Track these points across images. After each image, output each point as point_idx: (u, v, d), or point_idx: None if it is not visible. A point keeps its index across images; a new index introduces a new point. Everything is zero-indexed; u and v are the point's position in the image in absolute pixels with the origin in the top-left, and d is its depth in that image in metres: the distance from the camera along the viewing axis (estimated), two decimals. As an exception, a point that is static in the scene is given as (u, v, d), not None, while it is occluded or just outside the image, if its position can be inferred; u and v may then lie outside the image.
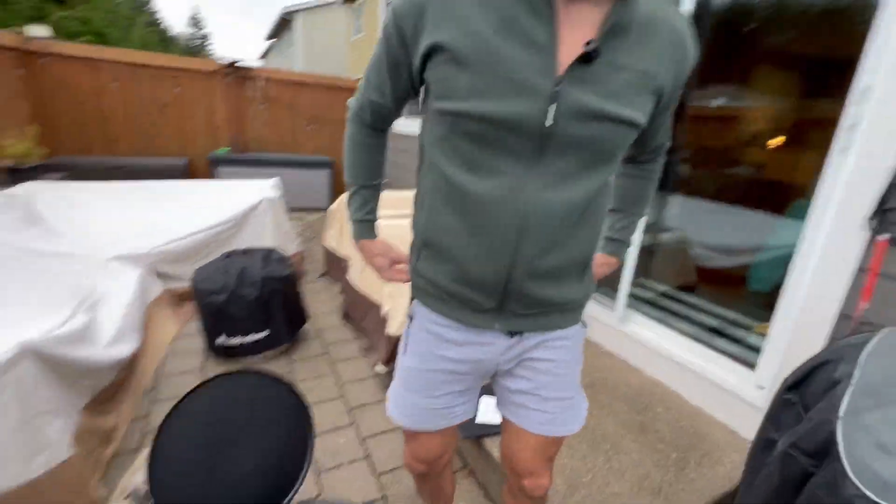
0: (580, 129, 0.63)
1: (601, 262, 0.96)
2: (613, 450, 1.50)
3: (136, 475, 1.26)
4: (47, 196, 2.73)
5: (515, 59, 0.60)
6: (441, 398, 0.88)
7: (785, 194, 2.04)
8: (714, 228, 2.33)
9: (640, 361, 2.00)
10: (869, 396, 0.77)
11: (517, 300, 0.75)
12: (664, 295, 2.25)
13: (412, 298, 0.88)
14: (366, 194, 0.91)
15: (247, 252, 2.27)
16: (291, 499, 1.01)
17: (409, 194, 3.24)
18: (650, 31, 0.63)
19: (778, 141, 2.14)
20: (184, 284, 2.49)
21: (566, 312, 0.82)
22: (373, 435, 1.76)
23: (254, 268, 2.08)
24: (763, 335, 1.57)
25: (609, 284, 2.15)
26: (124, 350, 1.75)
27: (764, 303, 1.63)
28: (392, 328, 1.96)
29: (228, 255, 2.22)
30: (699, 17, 1.77)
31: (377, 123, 0.84)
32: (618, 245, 0.98)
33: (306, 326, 2.46)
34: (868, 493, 0.65)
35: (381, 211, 2.80)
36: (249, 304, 2.01)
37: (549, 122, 0.61)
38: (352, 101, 0.85)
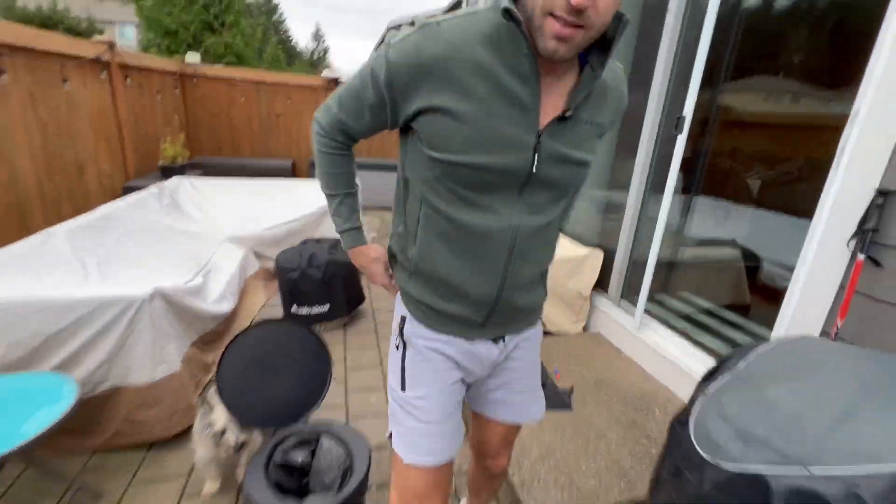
0: (554, 171, 0.76)
1: None
2: (596, 437, 1.66)
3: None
4: (187, 188, 3.54)
5: (507, 119, 0.71)
6: (455, 413, 0.91)
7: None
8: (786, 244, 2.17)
9: (654, 369, 2.07)
10: (740, 382, 0.91)
11: (502, 311, 0.86)
12: (703, 310, 2.21)
13: (401, 327, 0.91)
14: (350, 202, 0.95)
15: (319, 241, 2.77)
16: (312, 412, 1.39)
17: None
18: (603, 94, 0.78)
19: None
20: (273, 265, 3.08)
21: (531, 315, 0.96)
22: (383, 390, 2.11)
23: (321, 253, 2.56)
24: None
25: (633, 292, 2.24)
26: (224, 307, 2.31)
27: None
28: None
29: (305, 242, 2.74)
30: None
31: (347, 140, 0.89)
32: None
33: (363, 306, 2.90)
34: (702, 452, 0.81)
35: None
36: (315, 282, 2.48)
37: (533, 168, 0.74)
38: (321, 118, 0.88)
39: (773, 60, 1.92)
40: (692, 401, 1.00)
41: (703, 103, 1.92)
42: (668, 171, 1.95)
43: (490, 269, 0.81)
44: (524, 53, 0.68)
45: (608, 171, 2.53)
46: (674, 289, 2.26)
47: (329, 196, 0.95)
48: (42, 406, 1.28)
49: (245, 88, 5.70)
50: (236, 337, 1.38)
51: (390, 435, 0.93)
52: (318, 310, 2.57)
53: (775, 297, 2.13)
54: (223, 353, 1.36)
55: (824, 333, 1.33)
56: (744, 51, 1.91)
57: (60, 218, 2.67)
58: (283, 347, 1.45)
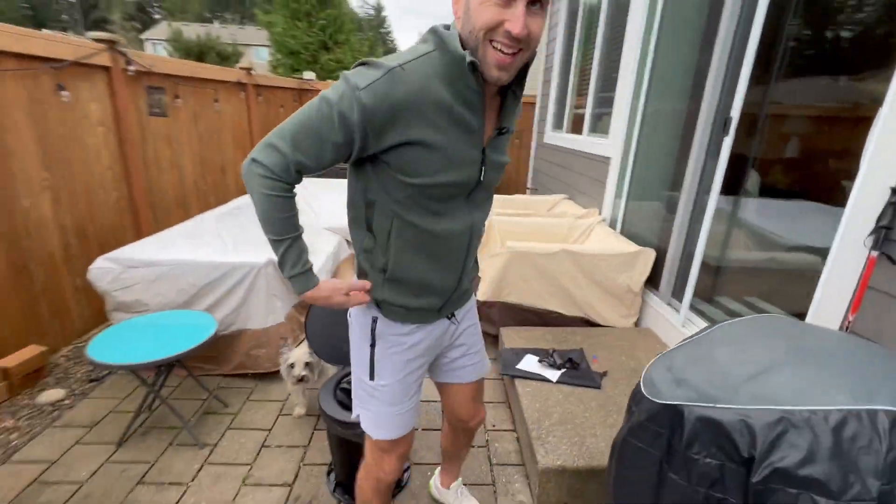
0: (493, 175, 0.96)
1: None
2: (617, 411, 1.81)
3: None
4: (297, 186, 4.27)
5: (463, 143, 0.86)
6: (414, 396, 1.10)
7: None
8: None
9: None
10: (695, 345, 1.08)
11: (457, 296, 1.06)
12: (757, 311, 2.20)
13: (373, 327, 1.01)
14: (299, 245, 0.94)
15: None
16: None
17: (533, 198, 3.85)
18: (517, 108, 0.97)
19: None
20: (361, 250, 3.62)
21: (469, 291, 1.16)
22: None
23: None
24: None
25: (683, 291, 2.30)
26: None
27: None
28: (478, 294, 2.59)
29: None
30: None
31: (297, 180, 0.89)
32: None
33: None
34: (644, 391, 1.01)
35: (504, 210, 3.63)
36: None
37: (481, 177, 0.92)
38: (265, 159, 0.84)
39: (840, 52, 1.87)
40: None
41: (761, 101, 1.95)
42: (721, 171, 2.00)
43: (454, 265, 0.99)
44: (474, 89, 0.82)
45: (668, 172, 2.59)
46: (726, 289, 2.26)
47: (275, 241, 0.91)
48: (196, 332, 1.85)
49: (349, 100, 6.50)
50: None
51: (358, 416, 1.12)
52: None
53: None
54: (310, 307, 1.81)
55: (841, 328, 1.37)
56: (805, 45, 1.89)
57: (209, 206, 3.48)
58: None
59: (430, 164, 0.84)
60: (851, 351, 0.97)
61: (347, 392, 1.63)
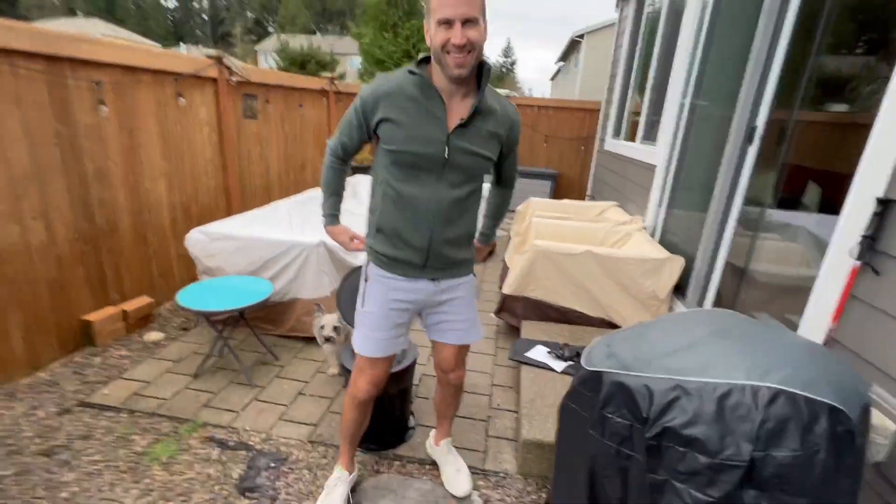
0: (463, 159, 1.23)
1: (479, 248, 1.55)
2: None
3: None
4: (363, 182, 4.73)
5: (427, 125, 1.20)
6: (392, 330, 1.39)
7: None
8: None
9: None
10: (638, 327, 1.20)
11: (435, 257, 1.30)
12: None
13: (367, 266, 1.39)
14: (335, 200, 1.47)
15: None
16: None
17: (583, 203, 4.00)
18: (492, 113, 1.25)
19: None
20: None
21: (462, 266, 1.40)
22: (471, 350, 2.66)
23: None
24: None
25: (703, 299, 2.29)
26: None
27: None
28: (505, 287, 2.77)
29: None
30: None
31: (345, 157, 1.39)
32: (486, 237, 1.62)
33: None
34: (582, 362, 1.16)
35: (548, 212, 3.88)
36: (430, 256, 3.20)
37: (446, 155, 1.22)
38: (331, 143, 1.37)
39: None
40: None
41: (789, 114, 1.92)
42: (748, 181, 2.00)
43: (423, 225, 1.27)
44: (434, 93, 1.21)
45: (704, 181, 2.57)
46: (752, 301, 2.21)
47: (324, 193, 1.48)
48: (256, 294, 2.27)
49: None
50: (353, 270, 2.15)
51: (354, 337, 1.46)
52: (431, 279, 3.28)
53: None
54: (344, 277, 2.15)
55: (826, 339, 1.37)
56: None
57: (287, 196, 4.03)
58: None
59: (399, 135, 1.22)
60: (774, 341, 1.05)
61: (364, 352, 1.93)
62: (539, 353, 2.27)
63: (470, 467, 1.75)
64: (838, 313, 1.31)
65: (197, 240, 2.59)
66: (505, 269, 3.28)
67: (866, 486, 1.18)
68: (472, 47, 1.13)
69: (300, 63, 19.13)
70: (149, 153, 2.83)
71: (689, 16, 2.85)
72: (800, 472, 0.86)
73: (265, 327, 2.68)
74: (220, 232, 2.60)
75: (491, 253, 4.49)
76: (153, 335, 2.67)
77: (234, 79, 3.44)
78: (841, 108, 1.86)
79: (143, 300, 2.79)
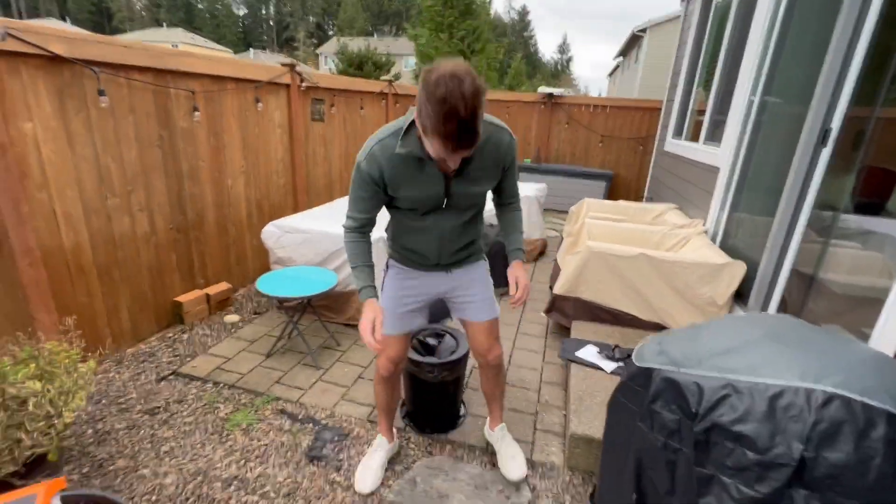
0: (460, 200, 1.37)
1: (518, 267, 1.54)
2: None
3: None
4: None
5: (425, 183, 1.30)
6: (407, 312, 1.59)
7: None
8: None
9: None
10: (692, 328, 1.23)
11: (446, 259, 1.51)
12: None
13: (387, 263, 1.62)
14: (367, 270, 1.46)
15: (492, 225, 3.57)
16: (445, 321, 2.18)
17: (640, 205, 3.95)
18: (480, 154, 1.29)
19: None
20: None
21: (471, 257, 1.58)
22: (509, 340, 2.73)
23: (491, 234, 3.35)
24: None
25: (766, 308, 2.22)
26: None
27: None
28: (556, 287, 2.80)
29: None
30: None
31: (367, 228, 1.44)
32: (518, 253, 1.58)
33: (520, 283, 3.57)
34: (633, 359, 1.21)
35: (603, 214, 3.92)
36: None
37: (444, 203, 1.36)
38: (346, 224, 1.43)
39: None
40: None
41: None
42: (820, 185, 1.92)
43: (432, 247, 1.47)
44: (426, 161, 1.26)
45: (771, 184, 2.46)
46: (819, 310, 2.11)
47: (353, 266, 1.47)
48: (322, 284, 2.47)
49: (475, 105, 7.03)
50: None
51: None
52: (482, 276, 3.38)
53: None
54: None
55: None
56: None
57: (346, 190, 4.28)
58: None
59: (400, 195, 1.34)
60: (830, 345, 1.05)
61: (420, 342, 2.06)
62: (589, 353, 2.30)
63: (518, 456, 1.83)
64: (912, 325, 1.26)
65: (271, 232, 2.85)
66: (556, 269, 3.31)
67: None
68: (471, 151, 1.16)
69: (357, 64, 19.84)
70: (231, 153, 3.14)
71: (763, 5, 2.73)
72: (853, 475, 0.87)
73: (329, 315, 2.89)
74: (291, 225, 2.85)
75: (542, 253, 4.51)
76: (231, 317, 2.96)
77: (304, 84, 3.71)
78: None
79: (223, 286, 3.10)
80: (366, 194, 1.34)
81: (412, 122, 1.23)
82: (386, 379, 1.69)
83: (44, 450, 1.37)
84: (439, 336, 2.11)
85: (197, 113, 2.77)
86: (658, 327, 2.62)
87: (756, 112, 2.73)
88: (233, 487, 1.68)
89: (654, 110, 6.03)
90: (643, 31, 16.77)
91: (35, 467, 1.38)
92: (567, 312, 2.79)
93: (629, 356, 2.25)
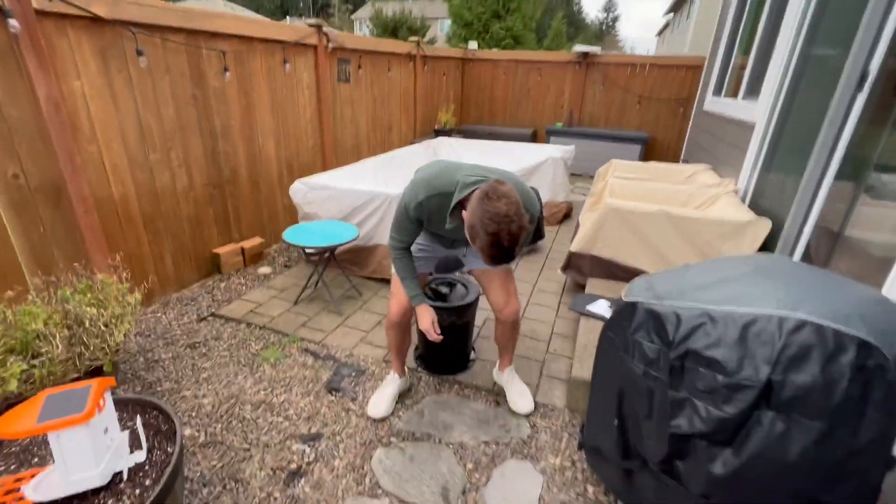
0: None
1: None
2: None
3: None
4: (444, 145, 4.92)
5: (459, 232, 1.47)
6: (417, 258, 1.78)
7: None
8: None
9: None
10: (683, 267, 1.25)
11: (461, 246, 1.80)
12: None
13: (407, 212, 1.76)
14: (415, 281, 1.69)
15: (515, 185, 3.58)
16: (456, 271, 2.28)
17: (672, 166, 3.83)
18: None
19: None
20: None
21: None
22: (525, 296, 2.79)
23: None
24: None
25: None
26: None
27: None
28: (572, 244, 2.81)
29: (505, 185, 3.60)
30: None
31: (405, 246, 1.67)
32: None
33: (542, 242, 3.60)
34: (622, 295, 1.25)
35: (629, 174, 3.90)
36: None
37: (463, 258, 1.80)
38: (393, 243, 1.65)
39: None
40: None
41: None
42: (849, 131, 1.82)
43: (441, 250, 1.85)
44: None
45: (805, 138, 2.33)
46: (843, 267, 2.03)
47: (402, 278, 1.69)
48: (344, 237, 2.61)
49: (506, 67, 6.85)
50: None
51: None
52: (502, 236, 3.42)
53: None
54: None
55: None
56: None
57: (374, 152, 4.38)
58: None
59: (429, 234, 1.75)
60: (819, 281, 1.05)
61: (433, 290, 2.16)
62: (600, 307, 2.33)
63: (521, 397, 1.93)
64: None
65: (298, 189, 3.00)
66: (577, 229, 3.30)
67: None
68: None
69: (392, 29, 19.52)
70: (261, 114, 3.27)
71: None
72: (819, 397, 0.90)
73: (352, 268, 3.05)
74: (316, 182, 2.98)
75: (567, 215, 4.47)
76: (263, 269, 3.18)
77: (331, 45, 3.76)
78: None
79: (256, 240, 3.31)
80: (410, 226, 1.59)
81: (460, 203, 1.41)
82: (396, 324, 1.80)
83: (100, 363, 1.59)
84: (451, 285, 2.20)
85: (227, 73, 2.89)
86: (675, 286, 2.60)
87: (797, 61, 2.56)
88: (260, 409, 1.88)
89: (697, 68, 5.67)
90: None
91: (93, 376, 1.61)
92: (583, 270, 2.81)
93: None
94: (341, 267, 2.92)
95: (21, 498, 1.09)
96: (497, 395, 2.00)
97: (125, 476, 1.18)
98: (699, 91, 5.25)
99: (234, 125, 3.06)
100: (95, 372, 1.59)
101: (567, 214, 4.48)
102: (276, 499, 1.50)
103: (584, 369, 1.87)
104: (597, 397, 1.38)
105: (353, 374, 2.12)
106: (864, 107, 1.79)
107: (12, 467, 1.21)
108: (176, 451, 1.24)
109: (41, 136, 2.04)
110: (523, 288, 2.99)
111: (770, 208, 2.55)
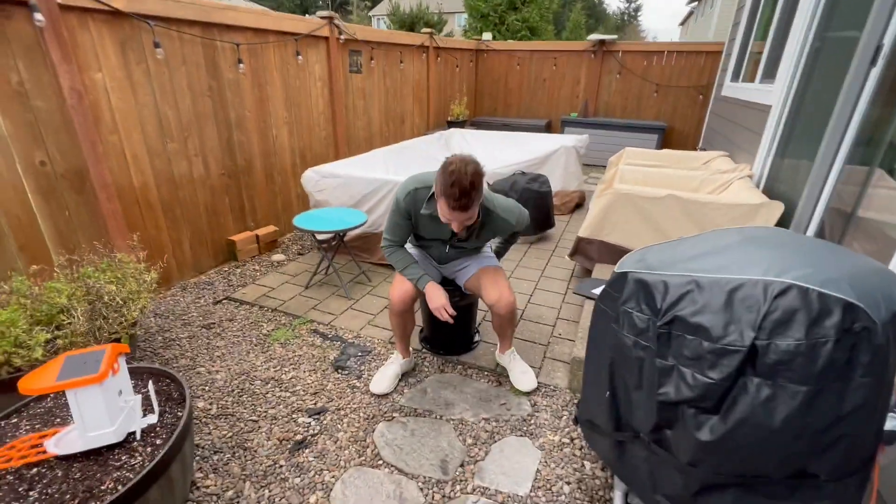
0: (456, 250, 1.89)
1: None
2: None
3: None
4: (457, 136, 4.94)
5: (438, 231, 1.73)
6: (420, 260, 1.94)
7: None
8: None
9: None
10: (676, 240, 1.25)
11: (450, 257, 1.96)
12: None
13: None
14: (415, 265, 1.82)
15: (524, 174, 3.57)
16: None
17: (686, 153, 3.77)
18: (490, 223, 1.74)
19: None
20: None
21: (470, 255, 1.99)
22: (532, 282, 2.79)
23: (521, 182, 3.36)
24: None
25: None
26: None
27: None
28: (581, 230, 2.80)
29: (514, 174, 3.59)
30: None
31: (399, 243, 1.83)
32: (498, 253, 2.10)
33: (551, 231, 3.59)
34: (615, 267, 1.26)
35: (642, 161, 3.88)
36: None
37: (447, 248, 1.87)
38: (385, 241, 1.84)
39: None
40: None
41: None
42: (862, 108, 1.77)
43: (435, 257, 1.98)
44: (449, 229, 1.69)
45: (819, 120, 2.27)
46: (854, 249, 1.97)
47: (402, 269, 1.81)
48: (354, 221, 2.66)
49: (521, 57, 6.80)
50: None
51: None
52: (512, 224, 3.43)
53: None
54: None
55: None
56: None
57: (386, 144, 4.43)
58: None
59: (423, 233, 1.83)
60: (812, 249, 1.04)
61: (436, 271, 2.19)
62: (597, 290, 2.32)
63: (523, 377, 1.95)
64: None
65: (309, 177, 3.07)
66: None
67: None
68: (471, 220, 1.58)
69: (409, 25, 19.55)
70: (275, 105, 3.36)
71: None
72: (804, 360, 0.89)
73: (361, 255, 3.11)
74: (327, 171, 3.04)
75: (579, 205, 4.43)
76: (277, 256, 3.27)
77: (343, 37, 3.82)
78: None
79: (270, 228, 3.41)
80: (401, 222, 1.75)
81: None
82: (399, 313, 1.84)
83: (118, 335, 1.68)
84: (456, 268, 2.23)
85: (241, 65, 2.98)
86: (685, 271, 2.56)
87: (812, 41, 2.48)
88: (270, 385, 1.96)
89: (717, 54, 5.53)
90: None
91: (114, 352, 1.71)
92: (591, 255, 2.80)
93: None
94: (351, 254, 2.98)
95: (44, 452, 1.18)
96: (499, 376, 2.02)
97: (138, 436, 1.26)
98: (717, 77, 5.13)
99: (249, 116, 3.15)
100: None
101: (579, 204, 4.45)
102: (281, 466, 1.57)
103: (584, 350, 1.88)
104: (590, 370, 1.40)
105: (359, 353, 2.17)
106: (878, 82, 1.73)
107: (37, 426, 1.30)
108: (185, 414, 1.31)
109: (66, 125, 2.15)
110: (531, 274, 3.00)
111: (784, 192, 2.49)
